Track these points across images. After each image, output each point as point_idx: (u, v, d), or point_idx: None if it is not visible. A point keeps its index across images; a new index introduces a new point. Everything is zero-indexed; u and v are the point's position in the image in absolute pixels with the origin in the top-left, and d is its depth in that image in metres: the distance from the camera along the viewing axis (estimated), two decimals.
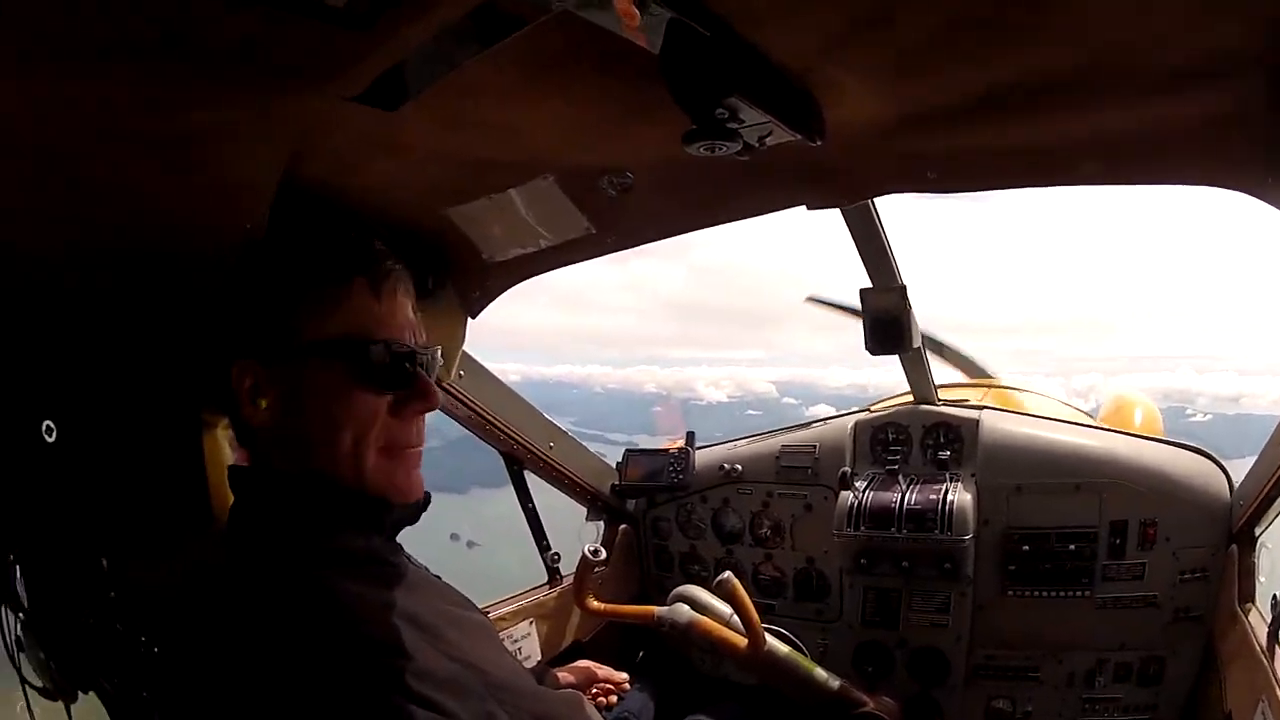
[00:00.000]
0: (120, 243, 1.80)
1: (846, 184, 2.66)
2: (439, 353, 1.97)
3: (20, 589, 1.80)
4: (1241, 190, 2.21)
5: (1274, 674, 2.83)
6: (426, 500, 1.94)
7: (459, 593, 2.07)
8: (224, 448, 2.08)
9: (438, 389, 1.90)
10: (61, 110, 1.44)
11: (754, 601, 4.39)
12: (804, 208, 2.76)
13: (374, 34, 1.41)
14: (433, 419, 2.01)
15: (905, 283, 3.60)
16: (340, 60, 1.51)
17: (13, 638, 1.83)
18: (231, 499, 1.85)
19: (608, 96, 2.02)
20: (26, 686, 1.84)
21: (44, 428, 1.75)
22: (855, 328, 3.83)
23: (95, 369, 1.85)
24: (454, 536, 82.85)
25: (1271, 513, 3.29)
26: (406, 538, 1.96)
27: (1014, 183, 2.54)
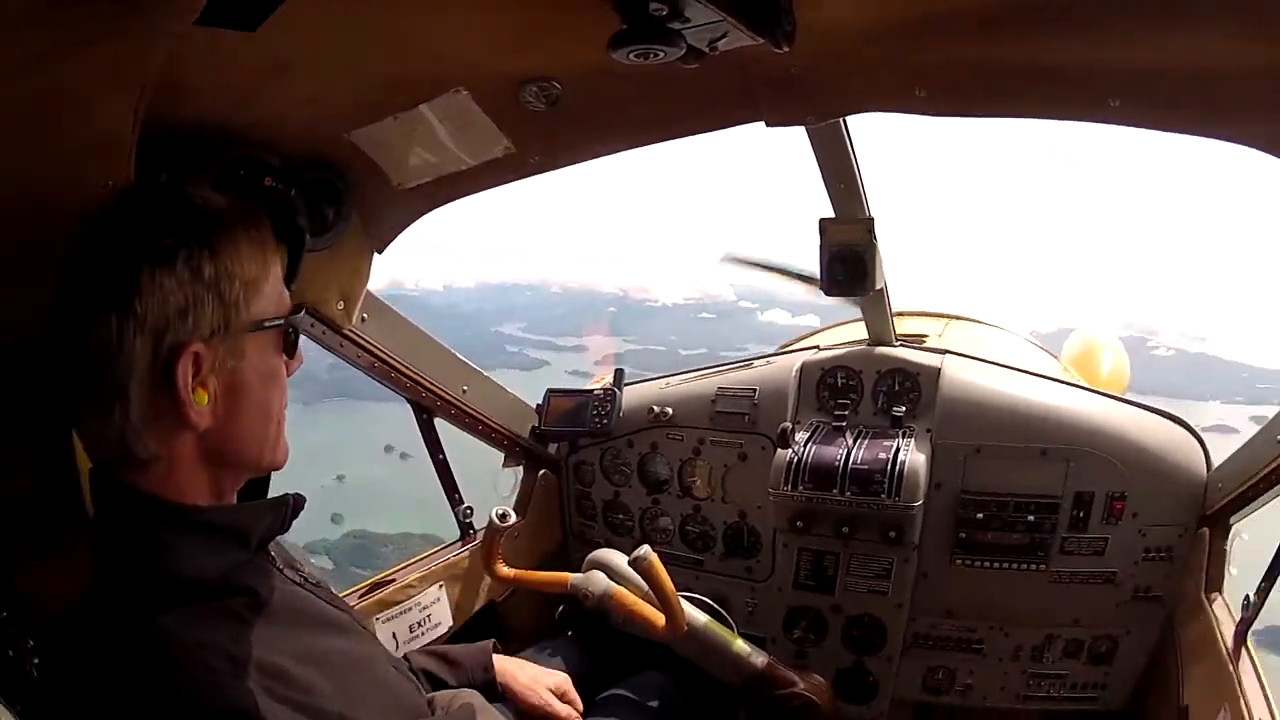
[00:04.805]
0: None
1: (817, 99, 2.43)
2: None
3: None
4: None
5: (1239, 680, 2.75)
6: (299, 506, 1.85)
7: (337, 606, 1.93)
8: None
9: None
10: None
11: (680, 555, 4.25)
12: (763, 125, 2.54)
13: None
14: None
15: (873, 215, 3.34)
16: None
17: None
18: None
19: None
20: None
21: None
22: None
23: None
24: (388, 448, 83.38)
25: (1254, 506, 3.15)
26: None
27: (1019, 110, 2.34)
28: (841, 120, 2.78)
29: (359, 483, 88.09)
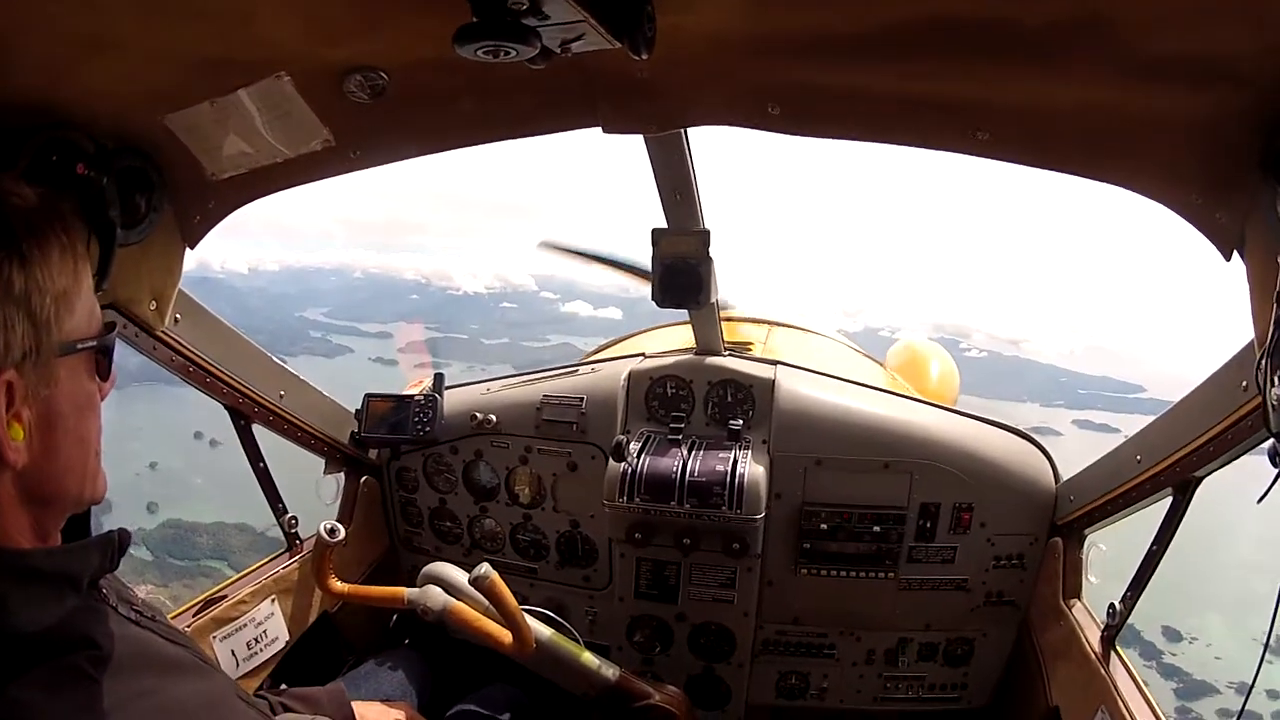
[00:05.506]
0: None
1: (662, 107, 2.37)
2: None
3: None
4: (1155, 199, 2.11)
5: (1112, 682, 2.91)
6: (125, 541, 1.67)
7: (175, 641, 1.75)
8: None
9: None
10: None
11: (513, 564, 4.22)
12: (599, 130, 2.46)
13: None
14: None
15: (709, 227, 3.30)
16: None
17: None
18: None
19: None
20: None
21: None
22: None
23: None
24: (198, 435, 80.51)
25: (1111, 520, 3.30)
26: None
27: (879, 137, 2.28)
28: (683, 130, 2.72)
29: (171, 471, 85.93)
